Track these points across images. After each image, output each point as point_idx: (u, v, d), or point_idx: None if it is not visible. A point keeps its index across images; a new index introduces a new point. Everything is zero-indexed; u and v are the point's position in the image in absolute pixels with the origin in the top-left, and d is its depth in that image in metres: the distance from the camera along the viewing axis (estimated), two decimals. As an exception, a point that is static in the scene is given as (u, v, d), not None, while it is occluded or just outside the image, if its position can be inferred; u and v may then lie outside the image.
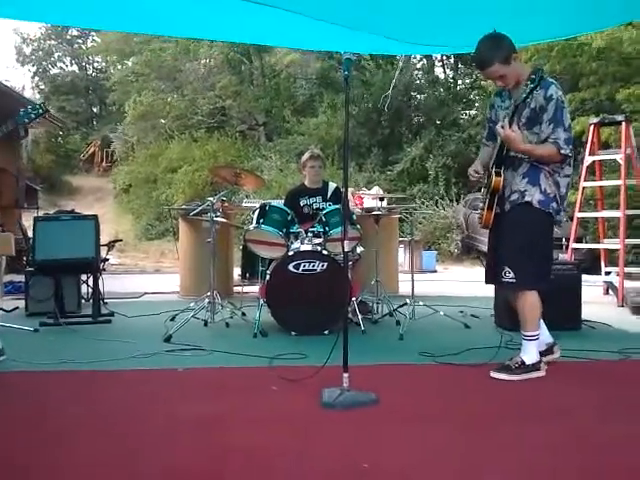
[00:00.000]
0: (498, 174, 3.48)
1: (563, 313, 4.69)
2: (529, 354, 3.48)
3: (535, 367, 3.47)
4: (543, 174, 3.46)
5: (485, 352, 3.91)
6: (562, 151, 3.36)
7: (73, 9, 4.65)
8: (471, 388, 3.34)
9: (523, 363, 3.46)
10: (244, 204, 7.97)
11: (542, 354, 3.59)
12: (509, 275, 3.44)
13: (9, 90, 12.97)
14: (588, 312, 5.26)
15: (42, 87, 32.55)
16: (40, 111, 3.99)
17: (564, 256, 7.21)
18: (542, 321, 3.62)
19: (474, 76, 20.71)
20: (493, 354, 3.76)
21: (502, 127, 3.40)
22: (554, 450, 2.38)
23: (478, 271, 12.50)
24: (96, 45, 30.03)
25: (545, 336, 3.71)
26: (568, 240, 7.48)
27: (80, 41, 32.87)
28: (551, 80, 3.44)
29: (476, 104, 20.88)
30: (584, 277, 5.31)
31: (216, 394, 3.21)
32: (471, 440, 2.49)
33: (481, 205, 3.66)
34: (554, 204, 3.48)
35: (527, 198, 3.45)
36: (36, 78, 32.72)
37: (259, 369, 3.70)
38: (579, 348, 4.06)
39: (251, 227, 5.14)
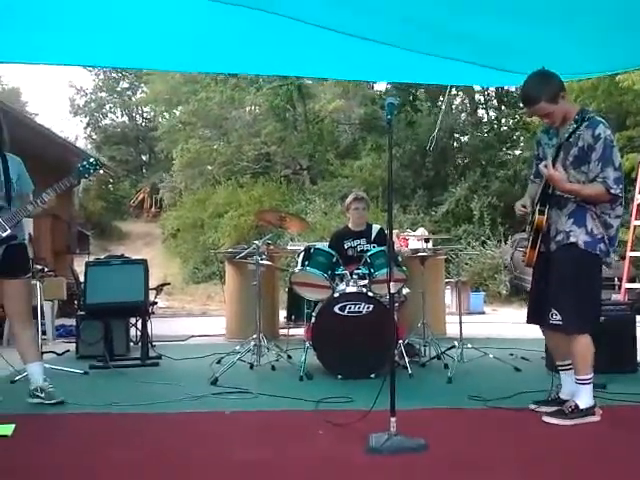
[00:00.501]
0: (541, 212, 3.43)
1: (617, 355, 4.53)
2: (583, 398, 3.36)
3: (589, 412, 3.35)
4: (589, 214, 3.39)
5: (537, 396, 3.78)
6: (612, 191, 3.29)
7: (113, 51, 4.84)
8: (523, 433, 3.23)
9: (577, 407, 3.34)
10: (289, 247, 8.04)
11: (552, 402, 3.52)
12: (556, 317, 3.37)
13: (63, 141, 13.52)
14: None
15: (94, 137, 33.78)
16: (97, 167, 4.13)
17: (617, 296, 7.01)
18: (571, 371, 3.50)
19: (517, 116, 20.65)
20: (545, 398, 3.64)
21: (545, 166, 3.37)
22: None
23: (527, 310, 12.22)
24: (145, 96, 31.12)
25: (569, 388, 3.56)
26: (621, 280, 7.28)
27: (130, 93, 34.12)
28: (599, 119, 3.39)
29: (521, 144, 20.76)
30: (639, 318, 5.14)
31: (262, 438, 3.19)
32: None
33: (525, 243, 3.61)
34: (602, 245, 3.39)
35: (572, 239, 3.38)
36: (88, 129, 34.02)
37: (305, 413, 3.66)
38: (634, 392, 3.90)
39: (296, 269, 5.16)
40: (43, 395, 3.90)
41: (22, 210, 3.85)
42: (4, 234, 3.78)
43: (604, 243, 3.40)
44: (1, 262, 3.81)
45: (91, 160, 4.12)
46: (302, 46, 4.88)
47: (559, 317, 3.35)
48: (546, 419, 3.35)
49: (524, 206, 3.65)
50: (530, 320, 3.68)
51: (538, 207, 3.45)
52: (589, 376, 3.38)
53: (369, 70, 5.91)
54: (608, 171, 3.29)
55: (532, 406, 3.59)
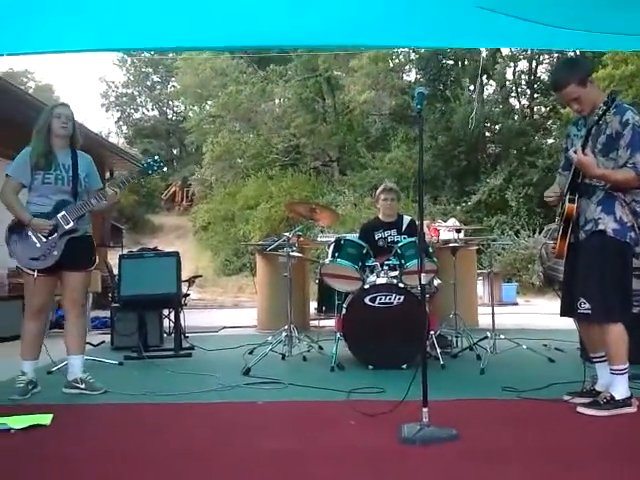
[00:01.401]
0: (572, 201, 3.39)
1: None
2: (618, 389, 3.31)
3: (626, 403, 3.29)
4: (618, 202, 3.34)
5: (571, 387, 3.72)
6: None
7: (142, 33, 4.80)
8: (557, 424, 3.19)
9: (612, 398, 3.29)
10: (319, 238, 8.04)
11: (587, 393, 3.48)
12: (584, 306, 3.33)
13: (96, 136, 13.72)
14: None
15: (125, 131, 34.23)
16: (161, 165, 4.24)
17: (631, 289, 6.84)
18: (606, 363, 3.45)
19: (550, 104, 20.33)
20: (579, 389, 3.59)
21: (575, 152, 3.32)
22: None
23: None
24: (175, 90, 31.38)
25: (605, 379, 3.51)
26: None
27: (160, 87, 34.44)
28: (627, 105, 3.36)
29: (553, 132, 20.43)
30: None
31: (294, 428, 3.21)
32: (554, 479, 2.37)
33: (556, 234, 3.56)
34: (632, 233, 3.33)
35: (601, 227, 3.34)
36: (120, 123, 34.48)
37: (337, 403, 3.67)
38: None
39: (327, 261, 5.16)
40: (83, 386, 4.01)
41: (86, 204, 3.98)
42: (67, 227, 3.93)
43: (634, 231, 3.34)
44: (63, 254, 3.94)
45: (155, 158, 4.25)
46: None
47: (588, 306, 3.31)
48: (581, 410, 3.30)
49: (554, 192, 3.62)
50: (564, 312, 3.63)
51: (568, 196, 3.41)
52: (624, 366, 3.32)
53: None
54: (638, 156, 3.24)
55: (566, 397, 3.55)
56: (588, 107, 3.41)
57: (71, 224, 3.94)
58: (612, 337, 3.32)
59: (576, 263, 3.44)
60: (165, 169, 4.33)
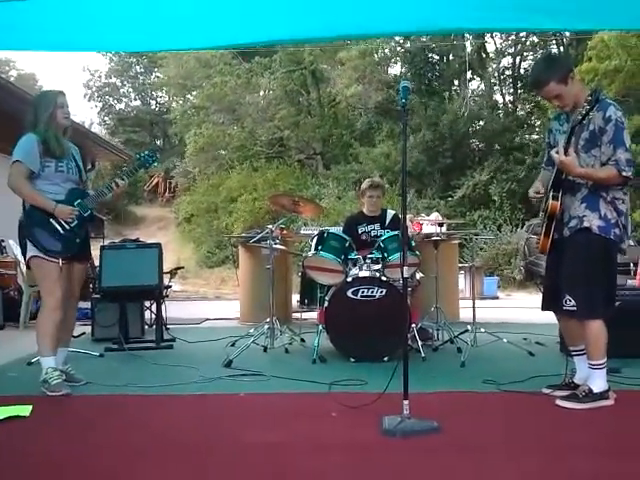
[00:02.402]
0: (555, 198, 3.41)
1: (633, 340, 4.50)
2: (597, 382, 3.35)
3: (603, 396, 3.34)
4: (602, 199, 3.37)
5: (551, 380, 3.77)
6: (623, 173, 3.27)
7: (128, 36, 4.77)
8: (536, 417, 3.23)
9: (591, 391, 3.33)
10: (302, 231, 8.04)
11: (566, 386, 3.53)
12: (570, 303, 3.36)
13: (79, 126, 13.57)
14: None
15: (108, 122, 33.86)
16: (155, 157, 4.26)
17: (632, 282, 6.96)
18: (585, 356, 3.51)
19: (533, 101, 20.47)
20: (559, 382, 3.63)
21: (557, 152, 3.34)
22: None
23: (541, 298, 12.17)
24: (159, 80, 31.12)
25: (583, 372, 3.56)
26: (636, 265, 7.22)
27: (143, 77, 34.12)
28: (610, 101, 3.38)
29: (537, 128, 20.58)
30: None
31: (276, 420, 3.21)
32: (535, 471, 2.40)
33: (539, 230, 3.59)
34: (616, 230, 3.36)
35: (586, 224, 3.36)
36: (102, 113, 34.10)
37: (318, 395, 3.68)
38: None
39: (310, 254, 5.16)
40: (64, 377, 3.92)
41: (101, 193, 3.96)
42: (85, 214, 3.91)
43: (618, 228, 3.36)
44: (80, 245, 3.94)
45: (147, 151, 4.25)
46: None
47: (573, 303, 3.34)
48: (560, 403, 3.35)
49: (537, 192, 3.62)
50: (545, 307, 3.67)
51: (551, 193, 3.43)
52: (602, 361, 3.36)
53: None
54: (619, 153, 3.27)
55: (546, 390, 3.59)
56: (570, 103, 3.42)
57: (89, 212, 3.92)
58: (592, 333, 3.35)
59: (560, 259, 3.46)
60: (156, 162, 4.32)
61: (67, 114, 3.97)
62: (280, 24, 4.72)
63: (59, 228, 3.83)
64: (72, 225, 3.86)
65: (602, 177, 3.32)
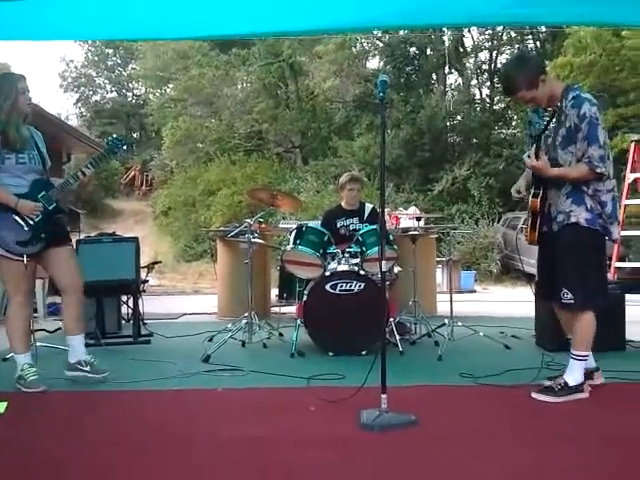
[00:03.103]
0: (535, 195, 3.46)
1: (606, 333, 4.54)
2: (574, 375, 3.40)
3: (578, 389, 3.39)
4: (585, 193, 3.41)
5: (526, 373, 3.82)
6: (597, 170, 3.31)
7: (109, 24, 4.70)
8: (512, 410, 3.27)
9: (566, 385, 3.38)
10: (281, 225, 8.02)
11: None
12: (567, 296, 3.40)
13: (53, 117, 13.40)
14: (633, 332, 5.11)
15: (84, 113, 33.45)
16: (123, 142, 4.03)
17: (607, 275, 7.04)
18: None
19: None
20: (534, 375, 3.68)
21: (529, 157, 3.40)
22: (596, 474, 2.31)
23: (518, 291, 12.32)
24: (135, 72, 30.80)
25: (589, 361, 3.61)
26: (610, 259, 7.32)
27: (120, 68, 33.74)
28: (585, 96, 3.39)
29: (513, 122, 20.76)
30: (628, 296, 5.17)
31: (254, 415, 3.21)
32: (511, 463, 2.43)
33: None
34: (600, 221, 3.41)
35: (573, 219, 3.41)
36: (79, 104, 33.68)
37: (297, 390, 3.69)
38: (623, 369, 3.95)
39: (288, 248, 5.15)
40: (88, 368, 3.87)
41: (66, 184, 3.80)
42: (50, 207, 3.75)
43: (602, 219, 3.41)
44: (51, 237, 3.76)
45: (115, 136, 4.05)
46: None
47: (570, 296, 3.39)
48: (535, 396, 3.38)
49: (519, 191, 3.68)
50: (539, 296, 3.76)
51: (533, 190, 3.48)
52: (585, 353, 3.42)
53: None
54: (592, 150, 3.30)
55: (547, 383, 3.57)
56: (544, 102, 3.46)
57: (54, 205, 3.76)
58: (583, 324, 3.41)
59: (552, 253, 3.51)
60: (125, 147, 4.16)
61: (29, 100, 3.79)
62: (261, 16, 4.70)
63: (23, 224, 3.67)
64: (36, 220, 3.70)
65: (575, 177, 3.37)
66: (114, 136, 4.07)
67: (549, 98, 3.44)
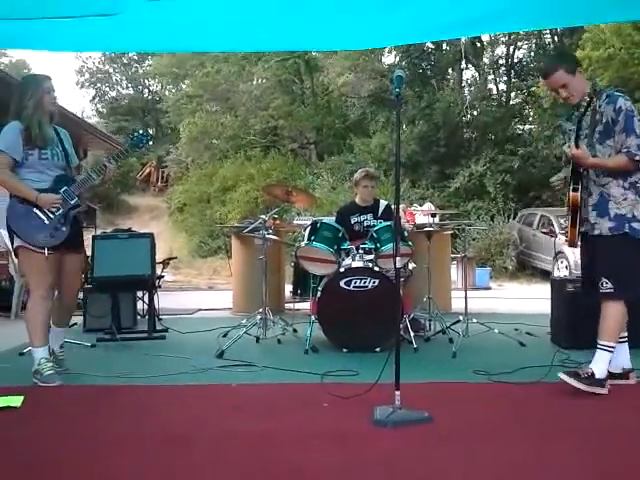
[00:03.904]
0: (575, 190, 3.51)
1: (629, 330, 4.51)
2: (600, 367, 3.41)
3: (600, 383, 3.39)
4: (611, 203, 3.45)
5: (541, 370, 3.79)
6: (636, 158, 3.36)
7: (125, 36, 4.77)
8: (526, 407, 3.25)
9: (593, 375, 3.39)
10: (295, 221, 8.03)
11: (615, 377, 3.55)
12: (607, 285, 3.43)
13: (70, 114, 13.50)
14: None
15: (100, 110, 33.66)
16: (148, 137, 4.19)
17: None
18: (625, 344, 3.61)
19: (526, 91, 20.48)
20: (548, 372, 3.66)
21: (569, 147, 3.48)
22: (609, 474, 2.29)
23: (534, 288, 12.23)
24: (152, 68, 30.92)
25: (624, 360, 3.63)
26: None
27: (137, 65, 33.90)
28: (618, 93, 3.48)
29: (530, 118, 20.59)
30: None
31: (268, 410, 3.22)
32: (525, 459, 2.42)
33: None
34: (634, 224, 3.43)
35: (596, 232, 3.50)
36: (95, 100, 33.89)
37: (310, 385, 3.69)
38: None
39: (302, 244, 5.15)
40: (51, 358, 3.94)
41: (88, 178, 3.89)
42: (72, 202, 3.84)
43: (637, 221, 3.43)
44: (69, 236, 3.85)
45: (141, 131, 4.18)
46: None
47: (610, 285, 3.42)
48: (561, 375, 3.41)
49: (559, 179, 3.75)
50: (586, 291, 3.75)
51: (572, 185, 3.52)
52: (612, 344, 3.43)
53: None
54: (630, 140, 3.38)
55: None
56: (577, 96, 3.55)
57: (75, 199, 3.85)
58: (610, 312, 3.44)
59: (589, 251, 3.60)
60: (150, 143, 4.25)
61: (54, 99, 3.91)
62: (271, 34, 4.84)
63: (43, 217, 3.77)
64: (57, 214, 3.79)
65: (611, 166, 3.44)
66: (140, 132, 4.18)
67: (578, 92, 3.53)
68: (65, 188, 3.82)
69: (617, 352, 3.55)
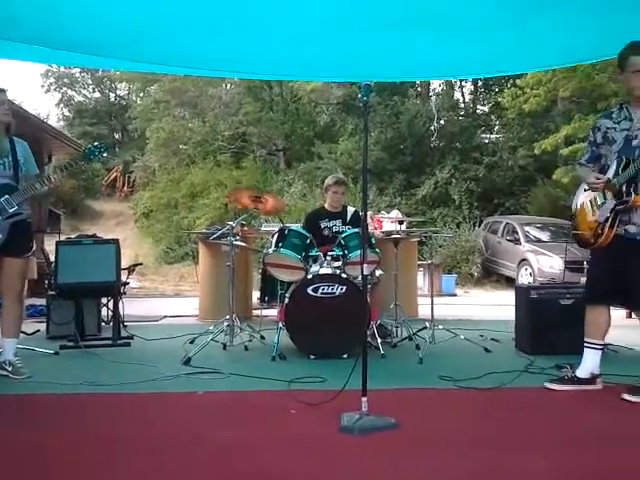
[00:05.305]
0: (638, 193, 3.49)
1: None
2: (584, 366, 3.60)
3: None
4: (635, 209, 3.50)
5: (506, 376, 3.86)
6: None
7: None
8: (491, 413, 3.29)
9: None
10: (263, 228, 8.02)
11: (584, 382, 3.66)
12: None
13: (36, 119, 13.27)
14: (611, 336, 5.14)
15: (66, 114, 33.16)
16: (103, 150, 4.27)
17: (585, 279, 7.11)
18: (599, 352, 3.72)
19: (492, 100, 20.81)
20: (513, 378, 3.71)
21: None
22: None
23: (499, 294, 12.40)
24: (119, 73, 30.57)
25: (594, 366, 3.73)
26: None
27: (102, 69, 33.49)
28: None
29: (495, 127, 20.92)
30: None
31: (235, 417, 3.20)
32: (489, 466, 2.45)
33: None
34: None
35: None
36: (60, 104, 33.38)
37: (278, 392, 3.68)
38: (605, 372, 3.98)
39: (270, 250, 5.14)
40: (10, 369, 4.02)
41: (30, 188, 3.99)
42: (10, 210, 3.92)
43: None
44: (7, 240, 3.93)
45: (96, 144, 4.29)
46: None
47: None
48: (547, 385, 3.58)
49: (598, 178, 3.64)
50: (595, 300, 3.75)
51: (633, 189, 3.49)
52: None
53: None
54: None
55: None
56: (625, 89, 3.60)
57: (15, 207, 3.94)
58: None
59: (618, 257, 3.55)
60: (106, 155, 4.36)
61: (7, 111, 4.02)
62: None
63: None
64: None
65: None
66: (95, 144, 4.28)
67: (626, 89, 3.58)
68: (6, 197, 3.93)
69: (589, 358, 3.66)
